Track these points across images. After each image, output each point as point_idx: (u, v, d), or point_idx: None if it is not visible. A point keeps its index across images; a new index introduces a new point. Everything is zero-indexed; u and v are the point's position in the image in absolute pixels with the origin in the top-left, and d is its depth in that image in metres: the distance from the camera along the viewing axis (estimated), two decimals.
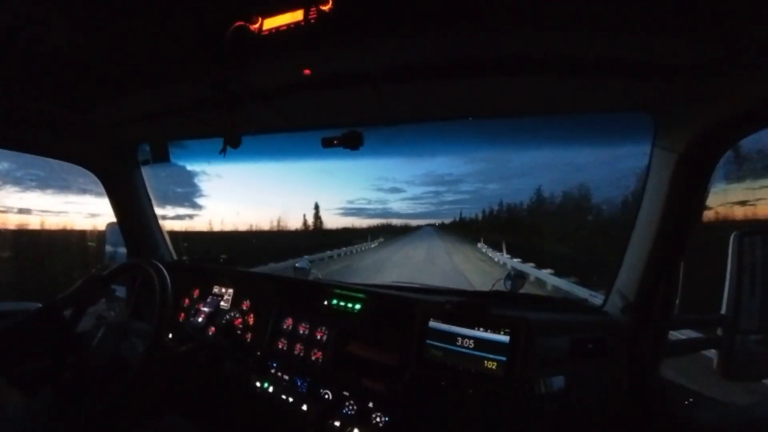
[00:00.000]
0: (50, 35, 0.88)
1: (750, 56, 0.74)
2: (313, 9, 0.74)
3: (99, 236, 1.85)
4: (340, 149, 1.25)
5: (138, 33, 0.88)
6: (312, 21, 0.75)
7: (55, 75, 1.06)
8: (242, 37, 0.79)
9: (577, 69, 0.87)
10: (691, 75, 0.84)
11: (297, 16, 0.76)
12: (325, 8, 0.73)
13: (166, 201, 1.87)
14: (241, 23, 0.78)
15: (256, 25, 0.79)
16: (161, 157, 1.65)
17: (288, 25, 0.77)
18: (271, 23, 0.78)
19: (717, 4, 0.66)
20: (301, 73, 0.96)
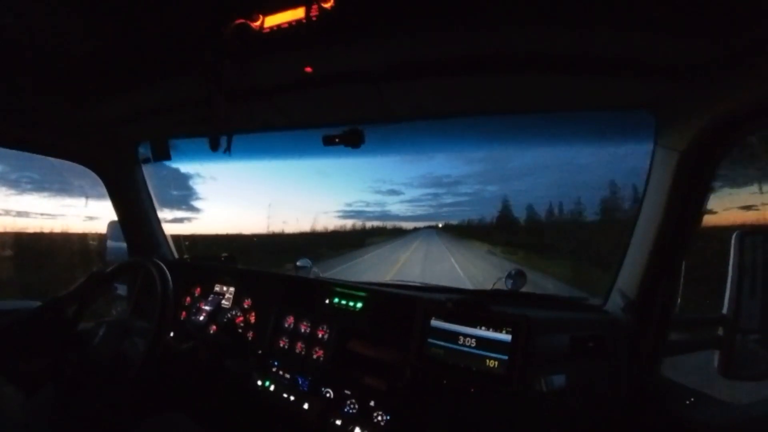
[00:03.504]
0: (51, 33, 0.88)
1: (752, 55, 0.74)
2: (314, 6, 0.74)
3: (101, 236, 1.85)
4: (340, 147, 1.24)
5: (139, 30, 0.87)
6: (313, 18, 0.74)
7: (56, 73, 1.06)
8: (243, 34, 0.79)
9: (579, 67, 0.87)
10: (693, 73, 0.84)
11: (298, 13, 0.76)
12: (327, 6, 0.73)
13: (162, 204, 1.87)
14: (243, 20, 0.78)
15: (258, 23, 0.79)
16: (162, 154, 1.65)
17: (289, 23, 0.77)
18: (272, 21, 0.78)
19: (719, 3, 0.65)
20: (303, 70, 0.96)
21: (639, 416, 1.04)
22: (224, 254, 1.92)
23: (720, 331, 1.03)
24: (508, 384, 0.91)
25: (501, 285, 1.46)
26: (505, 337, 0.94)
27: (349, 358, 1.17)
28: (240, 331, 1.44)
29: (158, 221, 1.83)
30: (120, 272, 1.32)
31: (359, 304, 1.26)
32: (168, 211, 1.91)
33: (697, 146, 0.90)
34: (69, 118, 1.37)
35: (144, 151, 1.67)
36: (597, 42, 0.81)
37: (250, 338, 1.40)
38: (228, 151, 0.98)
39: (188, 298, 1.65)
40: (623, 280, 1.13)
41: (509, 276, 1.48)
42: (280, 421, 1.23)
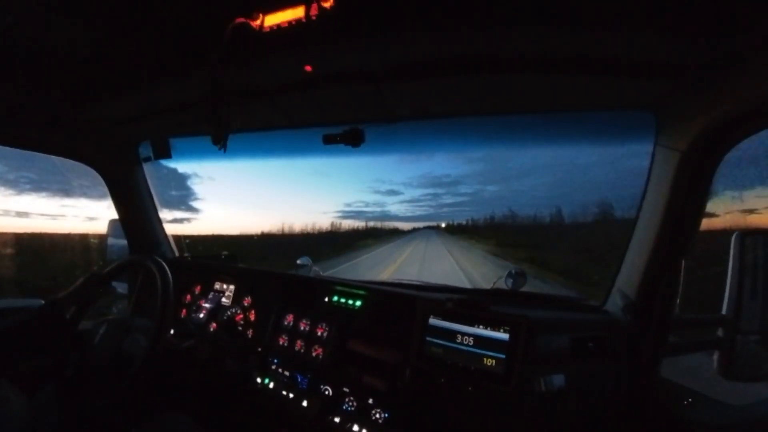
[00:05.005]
0: (52, 33, 0.89)
1: (752, 55, 0.74)
2: (314, 5, 0.74)
3: (102, 237, 1.85)
4: (340, 147, 1.25)
5: (139, 30, 0.88)
6: (313, 17, 0.74)
7: (57, 72, 1.06)
8: (243, 33, 0.79)
9: (579, 67, 0.87)
10: (694, 73, 0.84)
11: (298, 12, 0.76)
12: (326, 5, 0.73)
13: (163, 205, 1.87)
14: (243, 20, 0.78)
15: (258, 22, 0.79)
16: (163, 153, 1.65)
17: (289, 22, 0.77)
18: (272, 20, 0.78)
19: (719, 3, 0.65)
20: (303, 69, 0.96)
21: (639, 416, 1.04)
22: (224, 252, 1.92)
23: (720, 332, 1.03)
24: (505, 383, 0.91)
25: (501, 284, 1.46)
26: (503, 335, 0.94)
27: (348, 356, 1.17)
28: (240, 329, 1.44)
29: (159, 220, 1.83)
30: (120, 270, 1.32)
31: (358, 303, 1.26)
32: (168, 212, 1.92)
33: (697, 146, 0.90)
34: (71, 117, 1.37)
35: (145, 150, 1.68)
36: (597, 42, 0.81)
37: (249, 336, 1.41)
38: (224, 150, 0.98)
39: (188, 296, 1.65)
40: (623, 280, 1.13)
41: (509, 275, 1.48)
42: (279, 418, 1.24)
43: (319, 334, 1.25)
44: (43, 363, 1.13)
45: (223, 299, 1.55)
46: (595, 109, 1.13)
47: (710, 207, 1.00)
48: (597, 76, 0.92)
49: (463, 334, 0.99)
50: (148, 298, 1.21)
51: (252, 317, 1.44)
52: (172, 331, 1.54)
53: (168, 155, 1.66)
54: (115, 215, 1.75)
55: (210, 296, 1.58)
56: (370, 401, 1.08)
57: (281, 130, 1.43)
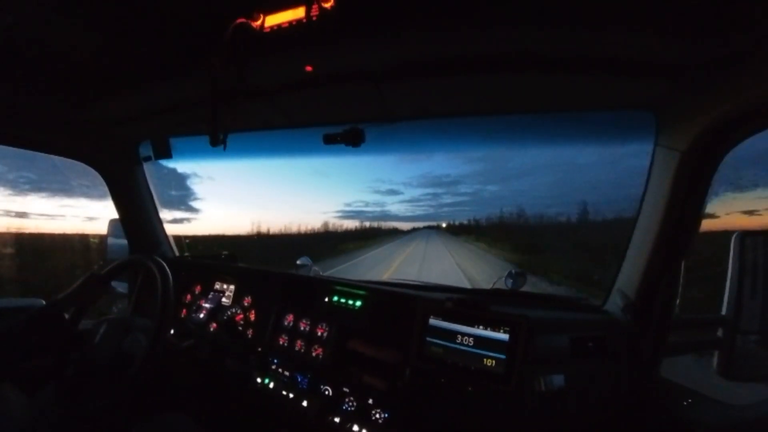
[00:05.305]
0: (52, 33, 0.89)
1: (752, 55, 0.74)
2: (314, 6, 0.74)
3: (102, 237, 1.85)
4: (340, 147, 1.25)
5: (140, 30, 0.88)
6: (313, 18, 0.75)
7: (57, 72, 1.06)
8: (244, 33, 0.79)
9: (579, 66, 0.87)
10: (694, 74, 0.84)
11: (299, 12, 0.76)
12: (327, 5, 0.73)
13: (162, 205, 1.87)
14: (243, 20, 0.78)
15: (258, 22, 0.79)
16: (163, 153, 1.65)
17: (290, 22, 0.77)
18: (272, 20, 0.78)
19: (719, 3, 0.65)
20: (303, 69, 0.96)
21: (639, 417, 1.04)
22: (224, 252, 1.92)
23: (720, 332, 1.03)
24: (506, 383, 0.91)
25: (501, 284, 1.46)
26: (503, 336, 0.95)
27: (348, 356, 1.17)
28: (240, 328, 1.44)
29: (159, 219, 1.83)
30: (120, 270, 1.32)
31: (358, 303, 1.26)
32: (168, 212, 1.92)
33: (697, 146, 0.90)
34: (71, 117, 1.38)
35: (145, 149, 1.68)
36: (597, 42, 0.81)
37: (249, 336, 1.41)
38: (224, 148, 0.99)
39: (188, 296, 1.65)
40: (623, 280, 1.13)
41: (509, 275, 1.48)
42: (279, 418, 1.24)
43: (319, 334, 1.25)
44: (43, 363, 1.13)
45: (223, 299, 1.55)
46: (595, 109, 1.13)
47: (710, 207, 1.00)
48: (597, 76, 0.92)
49: (463, 334, 0.99)
50: (148, 298, 1.21)
51: (252, 317, 1.44)
52: (172, 331, 1.54)
53: (168, 155, 1.66)
54: (115, 215, 1.75)
55: (210, 296, 1.58)
56: (370, 401, 1.08)
57: (281, 129, 1.43)
